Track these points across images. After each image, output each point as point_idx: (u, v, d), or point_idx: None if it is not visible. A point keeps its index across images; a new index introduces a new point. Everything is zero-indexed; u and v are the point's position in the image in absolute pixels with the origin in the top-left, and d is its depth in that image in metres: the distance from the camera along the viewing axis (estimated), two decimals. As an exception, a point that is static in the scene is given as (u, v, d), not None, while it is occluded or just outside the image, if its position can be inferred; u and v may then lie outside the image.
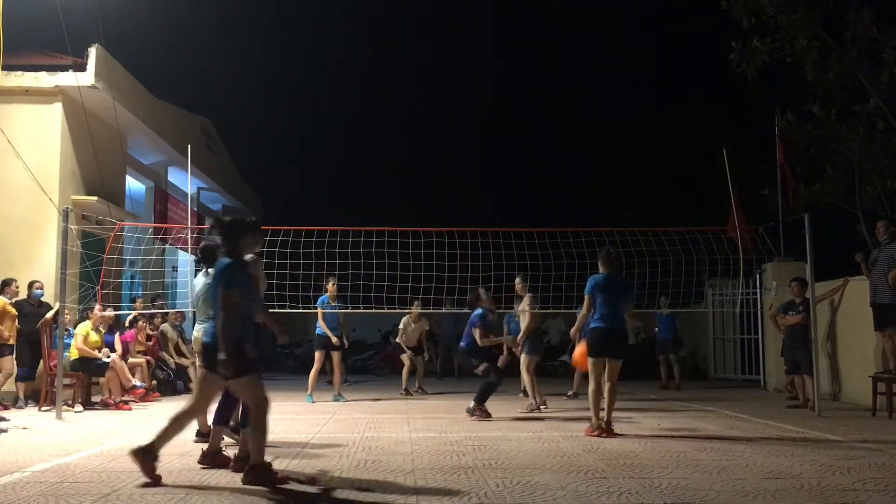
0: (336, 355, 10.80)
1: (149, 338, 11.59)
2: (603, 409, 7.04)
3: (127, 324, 11.25)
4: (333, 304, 10.68)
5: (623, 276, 7.42)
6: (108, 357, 9.66)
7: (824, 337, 10.56)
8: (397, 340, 12.46)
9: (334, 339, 10.49)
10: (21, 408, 9.45)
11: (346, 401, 10.53)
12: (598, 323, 7.06)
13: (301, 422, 8.23)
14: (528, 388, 9.48)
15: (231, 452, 5.56)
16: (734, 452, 5.99)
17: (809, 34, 11.30)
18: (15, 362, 9.52)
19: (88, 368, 9.54)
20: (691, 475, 5.04)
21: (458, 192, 29.37)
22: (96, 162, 11.98)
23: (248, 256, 5.35)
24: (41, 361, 9.71)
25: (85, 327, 9.63)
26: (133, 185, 14.83)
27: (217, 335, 4.75)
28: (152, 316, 11.82)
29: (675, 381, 12.69)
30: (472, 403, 8.53)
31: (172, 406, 9.96)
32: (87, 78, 11.26)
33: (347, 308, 10.86)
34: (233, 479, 4.98)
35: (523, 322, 9.50)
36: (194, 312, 6.66)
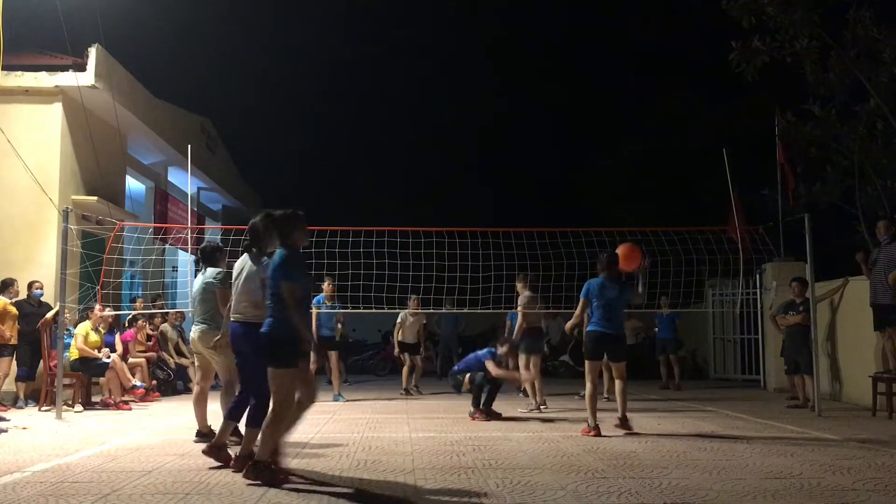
0: (333, 355, 10.76)
1: (149, 338, 11.60)
2: (601, 410, 7.11)
3: (126, 323, 11.26)
4: (329, 304, 10.67)
5: (622, 280, 7.44)
6: (108, 357, 9.67)
7: (824, 337, 10.56)
8: (393, 337, 12.34)
9: (315, 339, 10.42)
10: (21, 408, 9.45)
11: (346, 401, 10.52)
12: (592, 327, 7.20)
13: (301, 421, 8.19)
14: (529, 388, 9.47)
15: (232, 452, 5.55)
16: (734, 452, 5.99)
17: (809, 34, 11.29)
18: (14, 363, 9.53)
19: (88, 368, 9.54)
20: (691, 475, 5.04)
21: (457, 192, 29.35)
22: (96, 162, 11.98)
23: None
24: (41, 361, 9.70)
25: (85, 327, 9.63)
26: (133, 184, 14.83)
27: (278, 326, 4.79)
28: (152, 316, 11.83)
29: (676, 381, 12.68)
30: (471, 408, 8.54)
31: (172, 406, 10.06)
32: (87, 78, 11.25)
33: (347, 308, 10.84)
34: (233, 479, 4.97)
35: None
36: (193, 312, 6.68)
